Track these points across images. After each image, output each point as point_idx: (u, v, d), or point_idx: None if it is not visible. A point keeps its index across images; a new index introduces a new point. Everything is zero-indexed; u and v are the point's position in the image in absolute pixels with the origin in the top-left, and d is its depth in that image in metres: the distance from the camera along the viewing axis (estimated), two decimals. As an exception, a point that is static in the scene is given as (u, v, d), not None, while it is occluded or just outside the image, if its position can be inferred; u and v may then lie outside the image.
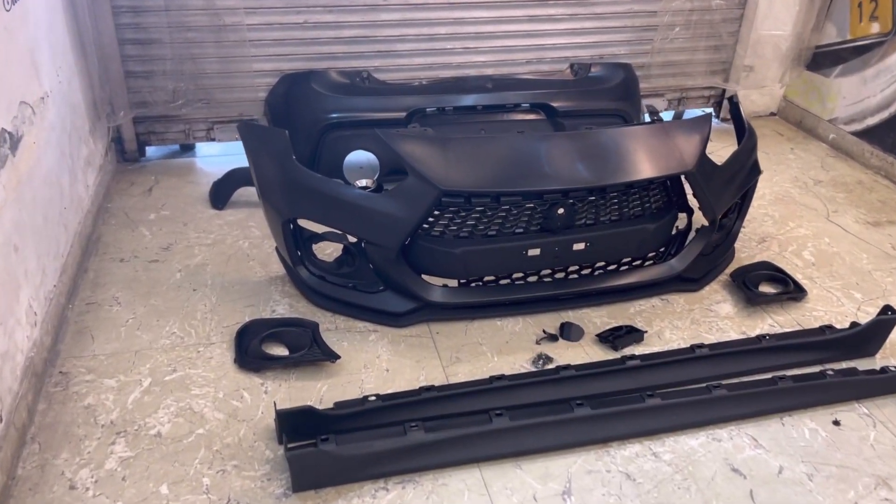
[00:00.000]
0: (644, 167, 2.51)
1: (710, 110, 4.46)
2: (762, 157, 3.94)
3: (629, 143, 2.54)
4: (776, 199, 3.54)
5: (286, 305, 2.63)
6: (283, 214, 2.48)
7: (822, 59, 4.12)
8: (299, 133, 3.38)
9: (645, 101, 4.12)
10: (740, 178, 2.77)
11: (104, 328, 2.48)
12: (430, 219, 2.45)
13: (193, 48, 3.37)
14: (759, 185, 3.58)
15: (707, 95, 4.32)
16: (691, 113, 4.44)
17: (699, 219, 2.73)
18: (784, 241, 3.17)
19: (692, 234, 2.78)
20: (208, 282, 2.75)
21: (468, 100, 3.54)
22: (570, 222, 2.52)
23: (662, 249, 2.79)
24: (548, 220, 2.49)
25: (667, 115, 4.29)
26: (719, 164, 2.71)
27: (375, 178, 3.41)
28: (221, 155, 3.80)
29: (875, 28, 3.75)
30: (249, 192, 3.28)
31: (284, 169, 2.45)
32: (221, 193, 3.27)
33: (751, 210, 3.38)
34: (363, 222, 2.42)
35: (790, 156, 4.00)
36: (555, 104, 3.58)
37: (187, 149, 3.79)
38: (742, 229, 3.20)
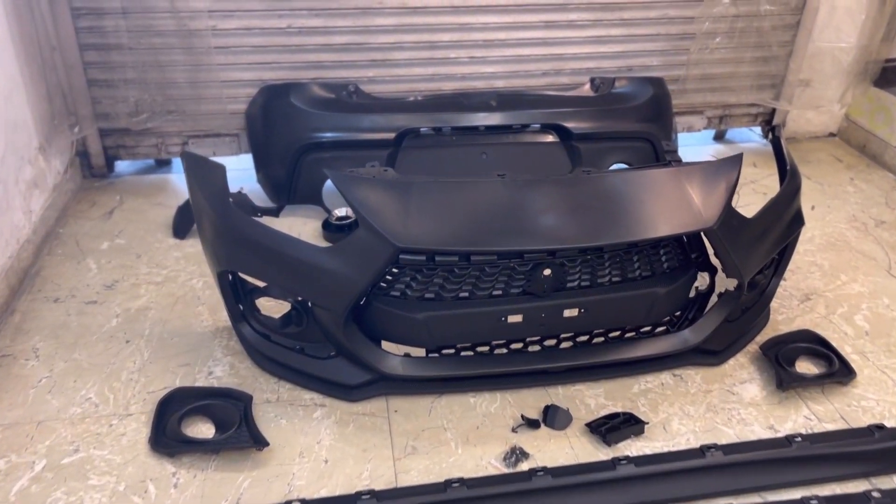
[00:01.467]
0: (651, 223, 2.04)
1: (756, 129, 3.91)
2: (814, 188, 3.42)
3: (634, 191, 2.07)
4: (827, 243, 3.00)
5: (226, 366, 2.27)
6: (219, 264, 2.11)
7: (893, 75, 3.53)
8: (275, 152, 3.02)
9: (682, 119, 3.62)
10: (776, 232, 2.27)
11: (12, 389, 2.15)
12: (389, 277, 2.04)
13: (159, 55, 3.02)
14: (809, 222, 3.06)
15: (754, 113, 3.77)
16: (734, 133, 3.91)
17: (725, 278, 2.25)
18: (833, 301, 2.65)
19: (714, 299, 2.30)
20: (146, 331, 2.40)
21: (469, 118, 3.10)
22: (559, 285, 2.08)
23: (678, 314, 2.32)
24: (531, 283, 2.05)
25: (706, 135, 3.79)
26: (751, 214, 2.22)
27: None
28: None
29: (958, 41, 3.16)
30: (215, 220, 2.93)
31: (219, 213, 2.07)
32: (184, 221, 2.91)
33: (795, 257, 2.86)
34: (305, 281, 2.02)
35: (849, 188, 3.44)
36: (570, 125, 3.12)
37: (163, 163, 3.45)
38: (782, 282, 2.70)
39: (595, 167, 3.12)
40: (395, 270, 2.03)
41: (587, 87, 3.35)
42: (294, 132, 3.01)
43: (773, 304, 2.58)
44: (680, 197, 2.07)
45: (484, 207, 2.02)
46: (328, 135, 3.00)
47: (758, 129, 3.90)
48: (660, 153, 3.19)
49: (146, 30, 2.97)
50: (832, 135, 3.93)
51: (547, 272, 2.04)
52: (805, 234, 3.03)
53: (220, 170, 2.11)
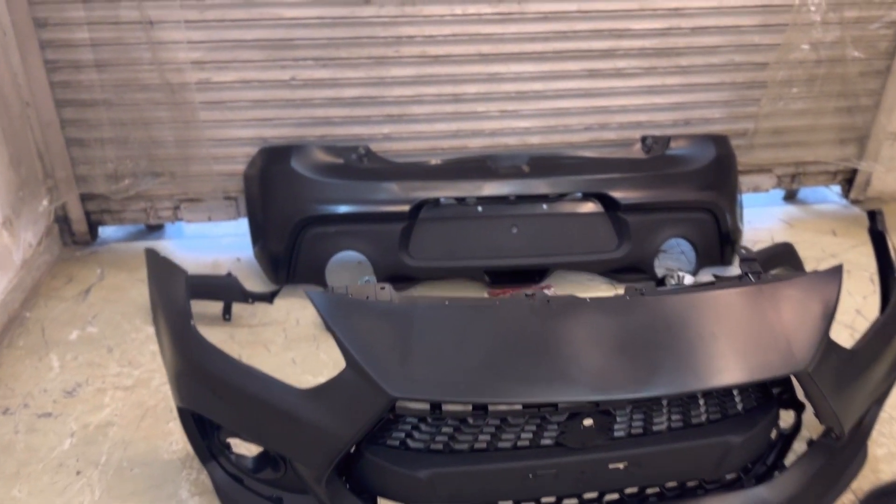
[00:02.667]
0: (724, 366, 1.56)
1: (835, 188, 3.38)
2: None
3: (702, 320, 1.60)
4: (931, 342, 2.47)
5: (192, 512, 1.85)
6: (179, 399, 1.70)
7: None
8: (273, 224, 2.62)
9: (746, 179, 3.12)
10: (887, 364, 1.76)
11: (-71, 542, 1.77)
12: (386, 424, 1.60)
13: (143, 112, 2.66)
14: None
15: (832, 171, 3.25)
16: (808, 193, 3.38)
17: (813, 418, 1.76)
18: (946, 428, 2.12)
19: (798, 442, 1.81)
20: (102, 458, 2.00)
21: (497, 186, 2.66)
22: (603, 437, 1.62)
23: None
24: (568, 435, 1.59)
25: (775, 195, 3.28)
26: (851, 341, 1.73)
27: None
28: (199, 237, 3.08)
29: None
30: (204, 307, 2.54)
31: (176, 336, 1.66)
32: (166, 305, 2.52)
33: None
34: (277, 431, 1.60)
35: (950, 265, 2.88)
36: (616, 194, 2.66)
37: (155, 227, 3.08)
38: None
39: (647, 243, 2.66)
40: (391, 416, 1.59)
41: (637, 146, 2.87)
42: (295, 202, 2.60)
43: (874, 434, 2.06)
44: (762, 328, 1.59)
45: (505, 342, 1.57)
46: (333, 207, 2.58)
47: (836, 188, 3.37)
48: (723, 228, 2.70)
49: (127, 84, 2.61)
50: (928, 196, 3.37)
51: (588, 422, 1.58)
52: (903, 330, 2.51)
53: (181, 278, 1.72)
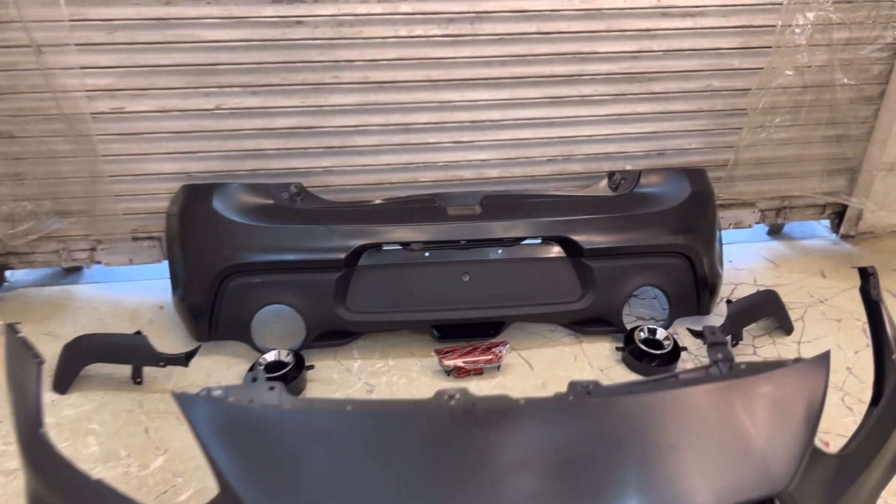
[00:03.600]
0: (687, 489, 1.27)
1: (824, 222, 3.10)
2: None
3: (661, 429, 1.31)
4: (931, 408, 2.19)
5: None
6: (29, 510, 1.40)
7: None
8: (194, 274, 2.32)
9: (727, 214, 2.84)
10: (884, 465, 1.48)
11: None
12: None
13: (43, 144, 2.35)
14: None
15: (820, 204, 2.97)
16: (795, 227, 3.10)
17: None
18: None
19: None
20: (-35, 565, 1.70)
21: (446, 230, 2.37)
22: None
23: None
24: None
25: (759, 230, 3.00)
26: (842, 406, 1.45)
27: (297, 346, 2.32)
28: (122, 280, 2.78)
29: None
30: (110, 369, 2.25)
31: (25, 444, 1.36)
32: (69, 368, 2.22)
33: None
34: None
35: (950, 313, 2.61)
36: (579, 238, 2.37)
37: (72, 271, 2.78)
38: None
39: (614, 292, 2.38)
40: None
41: (604, 183, 2.59)
42: (216, 248, 2.30)
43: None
44: (733, 438, 1.31)
45: (417, 462, 1.27)
46: (259, 255, 2.28)
47: (826, 223, 3.09)
48: (699, 273, 2.42)
49: (25, 114, 2.31)
50: (925, 230, 3.10)
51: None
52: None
53: (34, 371, 1.42)
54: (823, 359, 1.41)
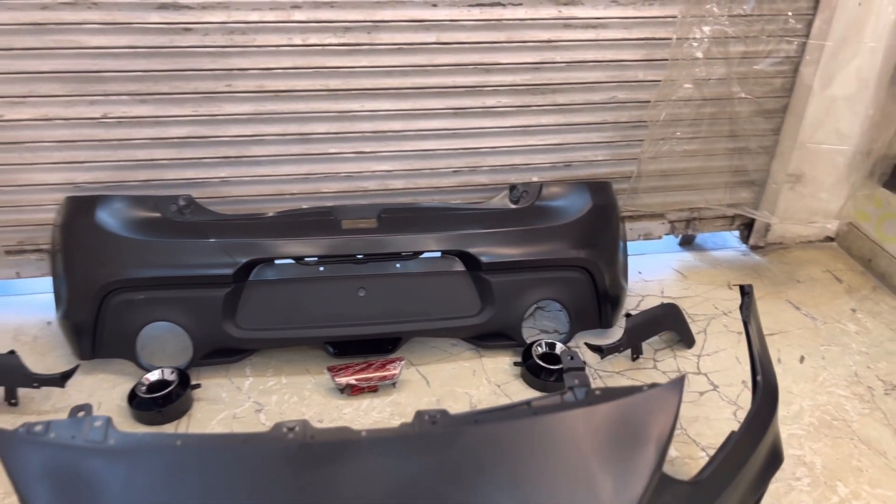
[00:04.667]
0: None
1: (735, 233, 3.12)
2: (806, 324, 2.63)
3: (504, 461, 1.27)
4: (820, 422, 2.21)
5: None
6: None
7: (906, 176, 2.76)
8: (77, 290, 2.23)
9: (636, 225, 2.84)
10: (741, 491, 1.47)
11: None
12: None
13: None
14: (796, 386, 2.43)
15: (730, 215, 2.98)
16: (707, 238, 3.11)
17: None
18: (827, 537, 1.85)
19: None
20: None
21: (342, 244, 2.32)
22: None
23: None
24: None
25: (670, 241, 3.01)
26: (733, 420, 1.43)
27: (185, 364, 2.24)
28: (8, 293, 2.67)
29: None
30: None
31: None
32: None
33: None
34: None
35: (850, 325, 2.65)
36: (478, 251, 2.34)
37: (-41, 282, 2.65)
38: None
39: (513, 306, 2.35)
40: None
41: (505, 195, 2.56)
42: (99, 264, 2.22)
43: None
44: (577, 467, 1.28)
45: (248, 501, 1.21)
46: (143, 270, 2.20)
47: (736, 233, 3.11)
48: (600, 287, 2.41)
49: None
50: (830, 239, 3.14)
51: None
52: (790, 405, 2.28)
53: None
54: (677, 384, 1.40)
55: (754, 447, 1.48)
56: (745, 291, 1.74)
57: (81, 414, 1.30)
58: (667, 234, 2.96)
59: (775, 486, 1.97)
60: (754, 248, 3.06)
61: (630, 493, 1.27)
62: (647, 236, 2.93)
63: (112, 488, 1.20)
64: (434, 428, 1.29)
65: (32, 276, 2.58)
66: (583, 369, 1.48)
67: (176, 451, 1.23)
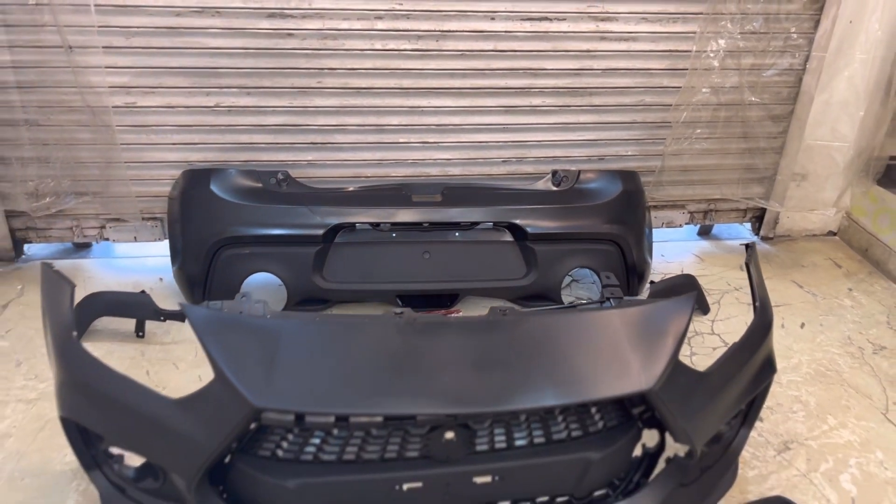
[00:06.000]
0: (575, 384, 1.66)
1: (747, 225, 3.53)
2: (807, 299, 3.02)
3: (557, 341, 1.70)
4: (816, 372, 2.59)
5: (76, 520, 1.90)
6: (60, 408, 1.75)
7: (897, 174, 3.16)
8: (191, 245, 2.70)
9: (660, 214, 3.26)
10: (740, 387, 1.87)
11: None
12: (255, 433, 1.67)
13: (66, 132, 2.73)
14: (798, 343, 2.73)
15: (742, 209, 3.40)
16: (722, 229, 3.52)
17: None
18: (816, 452, 2.23)
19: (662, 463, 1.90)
20: (-6, 467, 2.04)
21: (411, 214, 2.76)
22: (466, 450, 1.70)
23: (622, 477, 1.92)
24: (431, 448, 1.67)
25: (690, 231, 3.43)
26: (707, 365, 1.83)
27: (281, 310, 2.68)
28: (126, 257, 3.14)
29: (970, 143, 2.78)
30: (120, 323, 2.60)
31: (59, 348, 1.72)
32: (81, 321, 2.58)
33: (777, 390, 2.49)
34: (147, 439, 1.66)
35: (847, 301, 3.03)
36: (525, 224, 2.77)
37: (82, 247, 3.14)
38: (758, 424, 2.32)
39: (553, 271, 2.77)
40: (258, 427, 1.66)
41: (548, 180, 3.00)
42: (212, 224, 2.68)
43: (745, 454, 2.18)
44: (613, 349, 1.70)
45: (369, 357, 1.65)
46: (249, 229, 2.67)
47: (748, 226, 3.52)
48: (629, 260, 2.82)
49: (51, 106, 2.69)
50: (832, 233, 3.53)
51: (449, 435, 1.66)
52: (790, 359, 2.65)
53: (67, 291, 1.78)
54: (689, 298, 1.81)
55: (752, 353, 1.88)
56: (749, 246, 2.15)
57: (243, 297, 1.75)
58: (687, 224, 3.38)
59: (775, 416, 2.37)
60: (765, 239, 3.46)
61: (653, 370, 1.68)
62: (670, 224, 3.35)
63: (267, 346, 1.63)
64: (505, 317, 1.71)
65: (146, 241, 3.05)
66: (618, 286, 1.90)
67: (316, 323, 1.66)
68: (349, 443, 1.67)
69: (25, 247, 3.03)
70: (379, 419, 1.63)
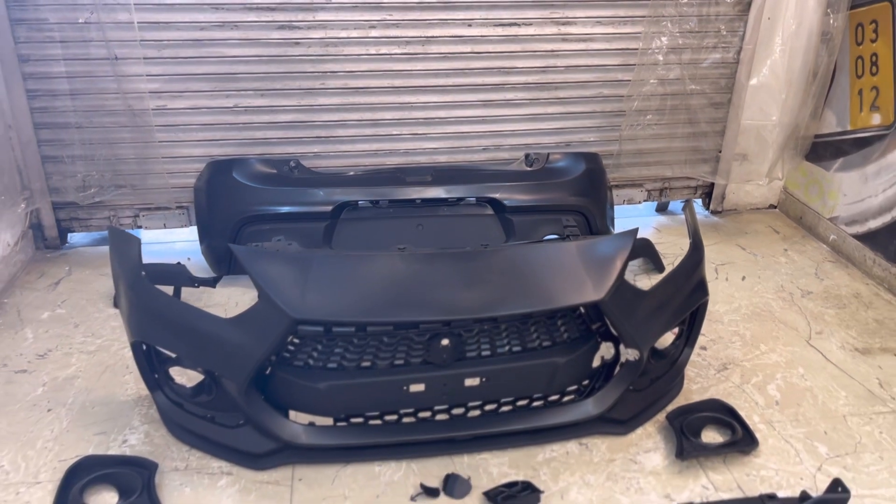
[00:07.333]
0: (543, 296, 2.12)
1: (698, 201, 4.02)
2: (749, 259, 3.50)
3: (528, 265, 2.16)
4: (752, 313, 3.07)
5: (142, 434, 2.32)
6: (132, 334, 2.19)
7: (823, 150, 3.66)
8: (218, 224, 3.14)
9: (622, 192, 3.75)
10: (676, 304, 2.34)
11: (-73, 456, 2.21)
12: (291, 347, 2.12)
13: (108, 133, 3.18)
14: (738, 292, 3.17)
15: (693, 186, 3.89)
16: (677, 206, 4.01)
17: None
18: (749, 370, 2.69)
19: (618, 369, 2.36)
20: (69, 400, 2.46)
21: (406, 192, 3.22)
22: (458, 355, 2.15)
23: (585, 383, 2.37)
24: (431, 353, 2.12)
25: (649, 207, 3.91)
26: (651, 286, 2.30)
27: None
28: (155, 242, 3.58)
29: (876, 119, 3.29)
30: (155, 290, 3.03)
31: (130, 284, 2.16)
32: (125, 290, 3.01)
33: (719, 327, 2.95)
34: (207, 351, 2.10)
35: (782, 258, 3.52)
36: (503, 198, 3.24)
37: (117, 235, 3.57)
38: (702, 351, 2.78)
39: (528, 239, 3.23)
40: (296, 341, 2.11)
41: (522, 160, 3.47)
42: (236, 205, 3.13)
43: (690, 373, 2.63)
44: (572, 270, 2.16)
45: (381, 280, 2.11)
46: (268, 208, 3.12)
47: (699, 201, 4.01)
48: (593, 228, 3.29)
49: (95, 110, 3.13)
50: (773, 206, 4.03)
51: (445, 342, 2.11)
52: (731, 303, 3.11)
53: (135, 243, 2.22)
54: (631, 233, 2.28)
55: (686, 278, 2.36)
56: (687, 200, 2.63)
57: (278, 240, 2.20)
58: (645, 201, 3.86)
59: (716, 346, 2.84)
60: (714, 213, 3.95)
61: (604, 286, 2.13)
62: (630, 201, 3.83)
63: (298, 271, 2.07)
64: (486, 249, 2.18)
65: (174, 227, 3.49)
66: (575, 227, 2.37)
67: (339, 255, 2.12)
68: (366, 351, 2.12)
69: (69, 235, 3.46)
70: (390, 327, 2.08)
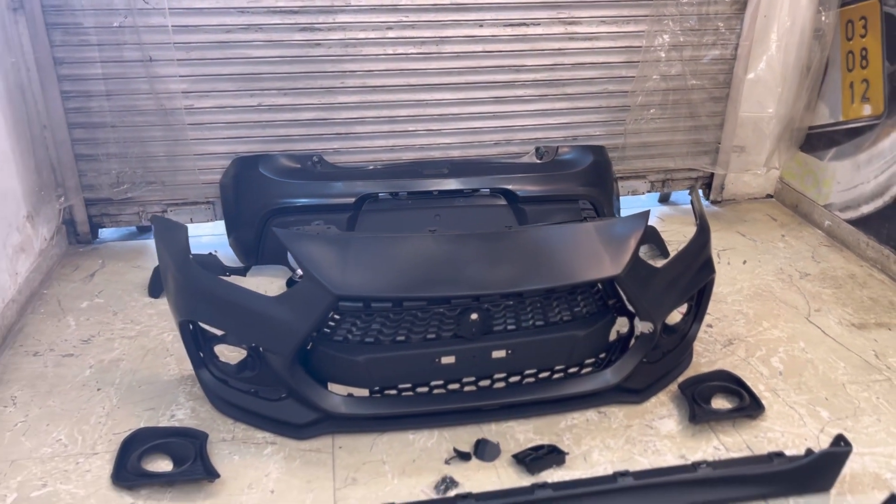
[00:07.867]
0: (564, 272, 2.29)
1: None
2: (748, 244, 3.68)
3: (550, 244, 2.33)
4: (755, 293, 3.24)
5: (188, 410, 2.47)
6: (180, 314, 2.34)
7: (816, 141, 3.85)
8: (245, 217, 3.30)
9: (626, 184, 3.92)
10: (685, 280, 2.51)
11: (-11, 432, 2.35)
12: (331, 323, 2.28)
13: (140, 132, 3.33)
14: (740, 275, 3.34)
15: (694, 177, 4.07)
16: (679, 196, 4.19)
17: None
18: (753, 345, 2.87)
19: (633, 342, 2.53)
20: (116, 380, 2.61)
21: (424, 184, 3.39)
22: (486, 329, 2.31)
23: (603, 356, 2.54)
24: (461, 327, 2.29)
25: (652, 198, 4.08)
26: (662, 264, 2.47)
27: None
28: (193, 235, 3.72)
29: (867, 110, 3.48)
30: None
31: (180, 267, 2.32)
32: (159, 281, 3.16)
33: (723, 306, 3.12)
34: (254, 327, 2.25)
35: (780, 244, 3.71)
36: (516, 189, 3.41)
37: (145, 230, 3.72)
38: (709, 329, 2.95)
39: (540, 227, 3.40)
40: (336, 317, 2.27)
41: (532, 154, 3.65)
42: (262, 199, 3.29)
43: (698, 348, 2.80)
44: (591, 249, 2.33)
45: (415, 259, 2.28)
46: (293, 200, 3.28)
47: (700, 191, 4.18)
48: (601, 216, 3.46)
49: (128, 110, 3.29)
50: (770, 196, 4.22)
51: (474, 317, 2.27)
52: (734, 285, 3.29)
53: (183, 230, 2.38)
54: (645, 213, 2.46)
55: (694, 257, 2.53)
56: (692, 186, 2.81)
57: (318, 223, 2.36)
58: (648, 192, 4.04)
59: (722, 324, 3.01)
60: (714, 203, 4.13)
61: (620, 262, 2.30)
62: (634, 192, 4.00)
63: (338, 252, 2.23)
64: (510, 230, 2.34)
65: (200, 222, 3.65)
66: (592, 209, 2.54)
67: (374, 237, 2.29)
68: (401, 326, 2.29)
69: (99, 231, 3.61)
70: (424, 302, 2.25)
